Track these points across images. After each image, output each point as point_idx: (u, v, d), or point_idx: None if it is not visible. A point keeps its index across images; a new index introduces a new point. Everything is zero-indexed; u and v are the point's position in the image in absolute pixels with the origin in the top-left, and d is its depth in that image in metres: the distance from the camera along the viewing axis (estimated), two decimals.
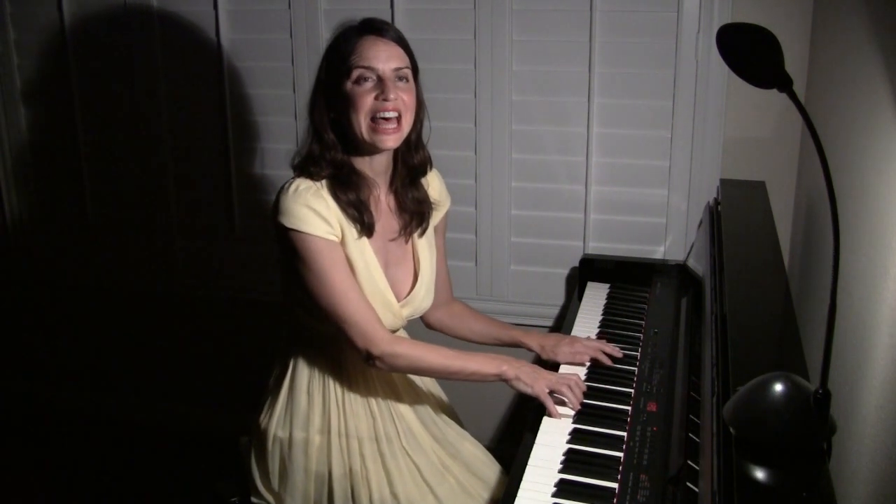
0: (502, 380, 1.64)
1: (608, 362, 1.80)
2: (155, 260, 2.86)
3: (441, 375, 1.68)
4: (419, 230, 1.75)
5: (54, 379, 3.17)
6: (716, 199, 2.17)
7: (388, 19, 2.38)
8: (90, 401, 3.13)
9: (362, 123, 1.58)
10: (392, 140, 1.60)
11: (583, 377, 1.76)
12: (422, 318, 1.88)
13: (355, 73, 1.58)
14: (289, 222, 1.57)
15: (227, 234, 2.76)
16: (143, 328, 2.98)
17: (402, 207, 1.73)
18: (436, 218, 1.81)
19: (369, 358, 1.60)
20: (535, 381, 1.63)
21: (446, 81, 2.42)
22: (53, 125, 2.84)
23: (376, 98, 1.57)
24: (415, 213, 1.73)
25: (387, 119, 1.58)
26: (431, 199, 1.78)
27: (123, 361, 3.05)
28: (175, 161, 2.75)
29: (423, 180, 1.77)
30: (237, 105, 2.63)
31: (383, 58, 1.58)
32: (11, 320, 3.16)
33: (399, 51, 1.62)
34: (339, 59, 1.61)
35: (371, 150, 1.64)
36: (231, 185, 2.69)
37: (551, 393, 1.63)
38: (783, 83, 1.09)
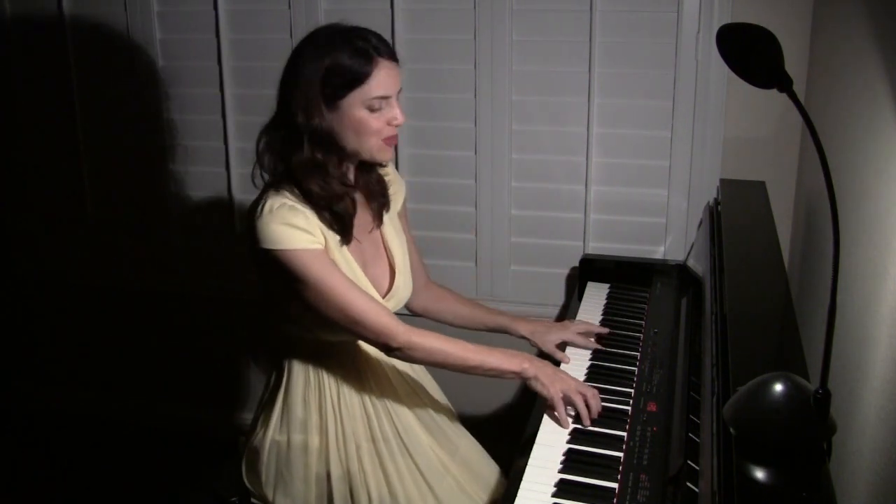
0: (521, 378, 1.64)
1: (593, 345, 1.88)
2: (155, 259, 2.85)
3: (459, 369, 1.65)
4: (384, 212, 1.75)
5: (53, 378, 3.17)
6: (716, 199, 2.17)
7: (388, 19, 2.39)
8: (89, 400, 3.13)
9: (374, 146, 1.59)
10: (392, 152, 1.65)
11: (583, 377, 1.76)
12: (406, 305, 1.86)
13: (374, 103, 1.57)
14: (270, 244, 1.55)
15: (227, 234, 2.76)
16: (142, 328, 2.98)
17: (369, 196, 1.72)
18: (397, 203, 1.81)
19: (389, 350, 1.61)
20: (553, 384, 1.61)
21: (446, 81, 2.41)
22: (53, 125, 2.84)
23: (388, 123, 1.59)
24: (379, 194, 1.74)
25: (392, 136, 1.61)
26: (392, 186, 1.79)
27: (123, 361, 3.04)
28: (175, 161, 2.75)
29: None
30: (237, 105, 2.63)
31: (395, 83, 1.59)
32: (11, 320, 3.16)
33: (400, 71, 1.62)
34: (350, 80, 1.55)
35: (366, 161, 1.65)
36: (231, 184, 2.69)
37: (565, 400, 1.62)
38: (783, 83, 1.10)
